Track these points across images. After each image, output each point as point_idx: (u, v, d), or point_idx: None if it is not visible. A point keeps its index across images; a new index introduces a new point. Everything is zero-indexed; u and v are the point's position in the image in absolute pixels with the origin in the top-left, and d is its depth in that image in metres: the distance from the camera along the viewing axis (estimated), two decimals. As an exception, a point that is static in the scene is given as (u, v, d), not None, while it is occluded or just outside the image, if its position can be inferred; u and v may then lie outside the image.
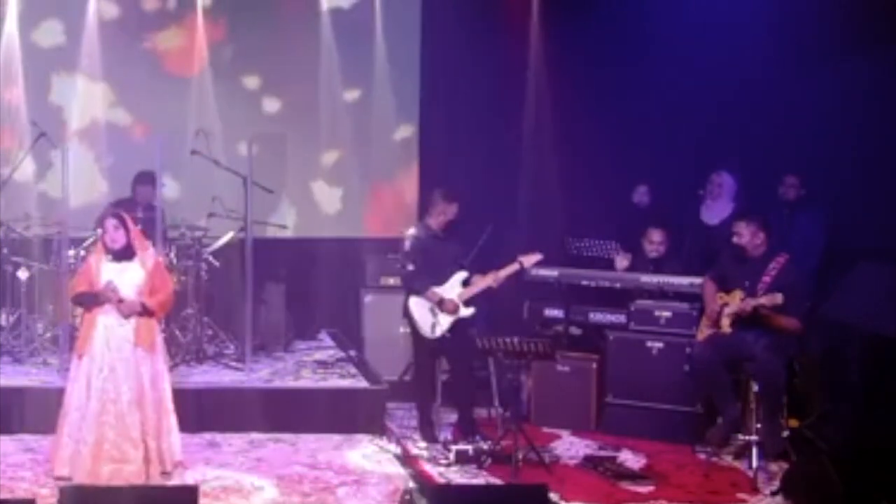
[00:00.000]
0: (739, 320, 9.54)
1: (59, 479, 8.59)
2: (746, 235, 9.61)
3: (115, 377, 8.64)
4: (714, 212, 11.36)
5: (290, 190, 12.41)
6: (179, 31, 12.27)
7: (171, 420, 8.87)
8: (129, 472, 8.55)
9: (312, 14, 12.38)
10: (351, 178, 12.61)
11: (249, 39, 12.29)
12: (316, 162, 12.57)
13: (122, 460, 8.58)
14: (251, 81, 12.45)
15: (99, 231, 9.24)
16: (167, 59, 12.27)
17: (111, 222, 8.74)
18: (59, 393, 9.10)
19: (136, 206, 10.99)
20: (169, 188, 11.57)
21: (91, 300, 8.76)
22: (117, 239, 8.70)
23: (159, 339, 8.97)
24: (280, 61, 12.34)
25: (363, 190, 12.61)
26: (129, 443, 8.60)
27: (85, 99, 12.02)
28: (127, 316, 8.67)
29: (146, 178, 11.20)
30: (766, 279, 9.50)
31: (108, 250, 8.76)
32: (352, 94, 12.51)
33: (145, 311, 8.74)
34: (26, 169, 11.62)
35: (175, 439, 8.90)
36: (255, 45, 12.31)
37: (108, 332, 8.69)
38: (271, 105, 12.49)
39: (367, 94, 12.43)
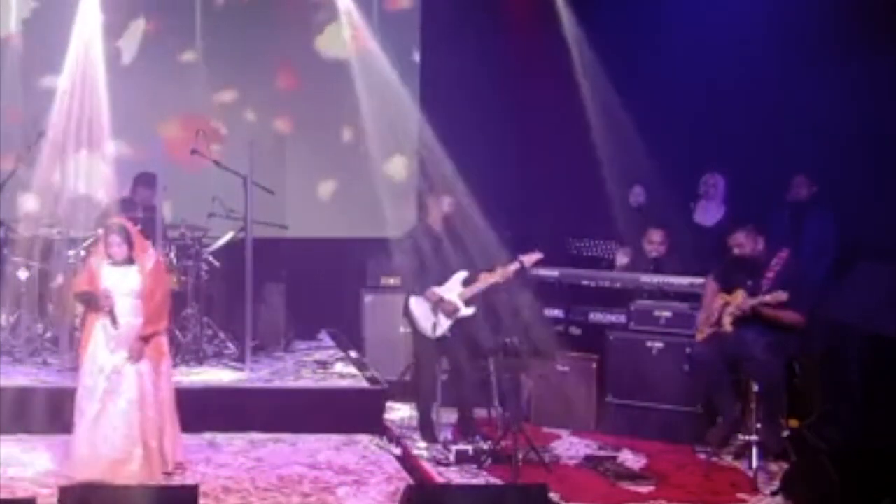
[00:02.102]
0: (740, 320, 9.54)
1: (65, 476, 8.60)
2: (748, 245, 9.60)
3: (118, 378, 8.65)
4: (708, 213, 11.37)
5: (290, 192, 12.41)
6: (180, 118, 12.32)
7: (174, 421, 8.88)
8: (131, 472, 8.55)
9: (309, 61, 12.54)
10: (352, 178, 12.64)
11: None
12: (317, 167, 12.62)
13: (124, 460, 8.59)
14: (250, 115, 12.52)
15: (100, 231, 9.20)
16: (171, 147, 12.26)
17: (115, 238, 8.72)
18: (60, 393, 9.12)
19: (135, 207, 11.00)
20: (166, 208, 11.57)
21: (92, 300, 8.77)
22: (120, 253, 8.72)
23: (164, 341, 8.94)
24: (282, 95, 12.52)
25: (364, 191, 12.61)
26: (130, 442, 8.60)
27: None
28: (138, 359, 8.66)
29: (146, 180, 11.21)
30: (770, 275, 9.50)
31: (108, 255, 8.77)
32: (349, 131, 12.57)
33: (149, 338, 8.73)
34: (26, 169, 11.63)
35: (177, 440, 8.91)
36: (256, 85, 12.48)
37: (108, 333, 8.69)
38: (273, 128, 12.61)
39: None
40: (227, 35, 12.38)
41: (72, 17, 11.36)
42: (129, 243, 8.74)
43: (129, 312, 8.71)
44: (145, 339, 8.71)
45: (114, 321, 8.65)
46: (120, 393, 8.63)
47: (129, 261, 8.75)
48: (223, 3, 12.46)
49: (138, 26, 12.25)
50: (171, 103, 12.17)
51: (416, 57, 12.55)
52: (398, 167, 12.62)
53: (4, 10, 11.92)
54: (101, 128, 11.12)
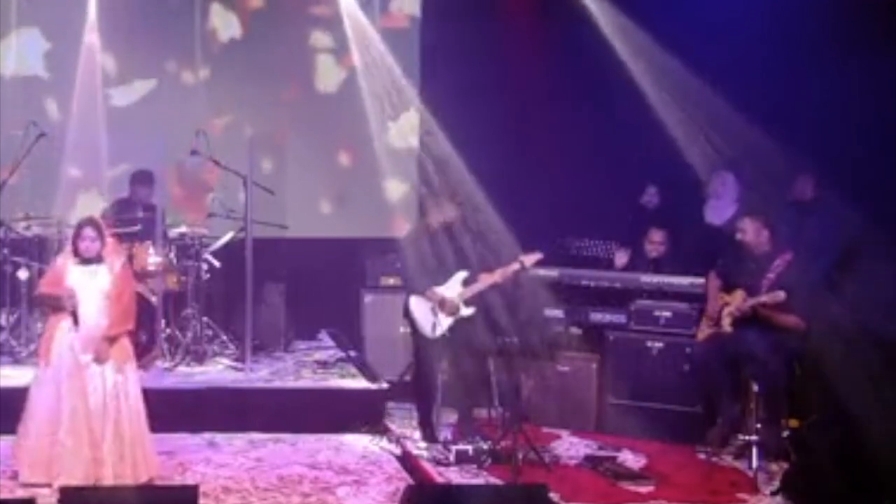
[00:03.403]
0: (740, 320, 9.54)
1: (27, 485, 8.45)
2: (750, 232, 9.62)
3: (79, 381, 8.49)
4: (718, 212, 11.36)
5: (290, 192, 12.40)
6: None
7: (142, 429, 8.65)
8: (104, 476, 8.42)
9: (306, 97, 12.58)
10: (352, 179, 12.64)
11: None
12: (318, 167, 12.62)
13: (96, 463, 8.45)
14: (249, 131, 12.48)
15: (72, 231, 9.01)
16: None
17: (89, 232, 8.58)
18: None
19: (134, 206, 11.00)
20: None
21: (52, 301, 8.68)
22: (92, 249, 8.58)
23: (129, 344, 8.75)
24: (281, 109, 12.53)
25: (364, 191, 12.62)
26: (95, 448, 8.46)
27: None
28: (103, 360, 8.51)
29: (144, 178, 11.20)
30: (771, 276, 9.50)
31: (76, 253, 8.65)
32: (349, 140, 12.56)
33: (114, 339, 8.60)
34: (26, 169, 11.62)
35: (149, 451, 8.67)
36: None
37: (70, 336, 8.55)
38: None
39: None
40: (227, 59, 12.39)
41: (76, 47, 11.45)
42: (102, 240, 8.62)
43: (96, 312, 8.56)
44: (110, 341, 8.57)
45: (75, 321, 8.51)
46: (86, 396, 8.48)
47: (98, 259, 8.62)
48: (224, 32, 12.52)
49: (146, 84, 12.28)
50: (170, 127, 12.13)
51: (415, 76, 12.54)
52: (399, 178, 12.62)
53: (6, 47, 11.97)
54: (99, 159, 11.18)
